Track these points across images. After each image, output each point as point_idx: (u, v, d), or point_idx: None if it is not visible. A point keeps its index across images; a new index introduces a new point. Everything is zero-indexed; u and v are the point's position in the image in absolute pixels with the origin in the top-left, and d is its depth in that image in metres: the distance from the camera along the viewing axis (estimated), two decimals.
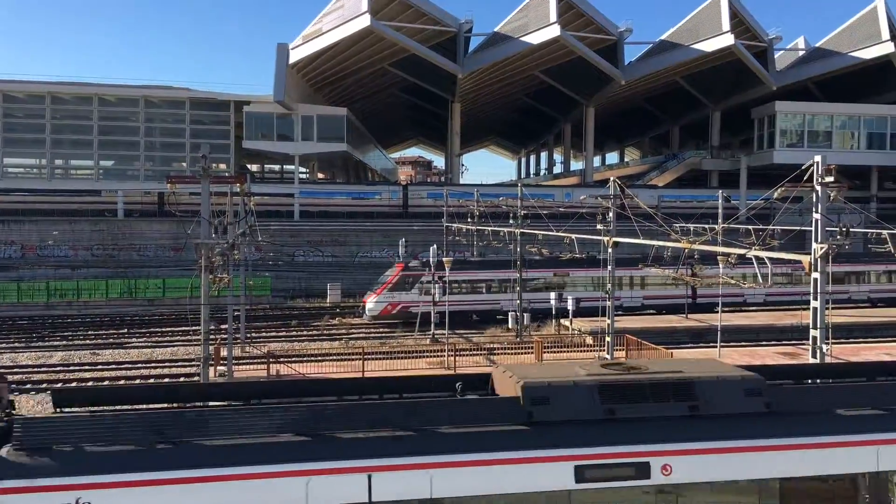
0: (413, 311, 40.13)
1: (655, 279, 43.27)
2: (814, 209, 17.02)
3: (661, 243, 27.62)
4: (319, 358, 31.63)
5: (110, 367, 31.47)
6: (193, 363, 30.85)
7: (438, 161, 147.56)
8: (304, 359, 31.46)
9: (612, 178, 29.52)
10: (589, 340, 34.69)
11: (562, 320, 39.87)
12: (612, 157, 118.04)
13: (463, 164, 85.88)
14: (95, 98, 63.58)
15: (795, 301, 39.82)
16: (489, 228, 45.74)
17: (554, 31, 62.24)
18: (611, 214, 28.25)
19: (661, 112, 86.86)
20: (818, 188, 16.85)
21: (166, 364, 32.11)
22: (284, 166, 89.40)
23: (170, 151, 66.14)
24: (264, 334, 39.61)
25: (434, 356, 30.73)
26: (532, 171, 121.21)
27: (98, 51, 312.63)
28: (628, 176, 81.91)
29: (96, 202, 63.18)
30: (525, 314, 38.58)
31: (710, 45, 66.99)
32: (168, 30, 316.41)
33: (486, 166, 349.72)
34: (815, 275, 16.90)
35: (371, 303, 42.27)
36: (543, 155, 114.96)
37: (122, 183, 64.67)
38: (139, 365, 31.86)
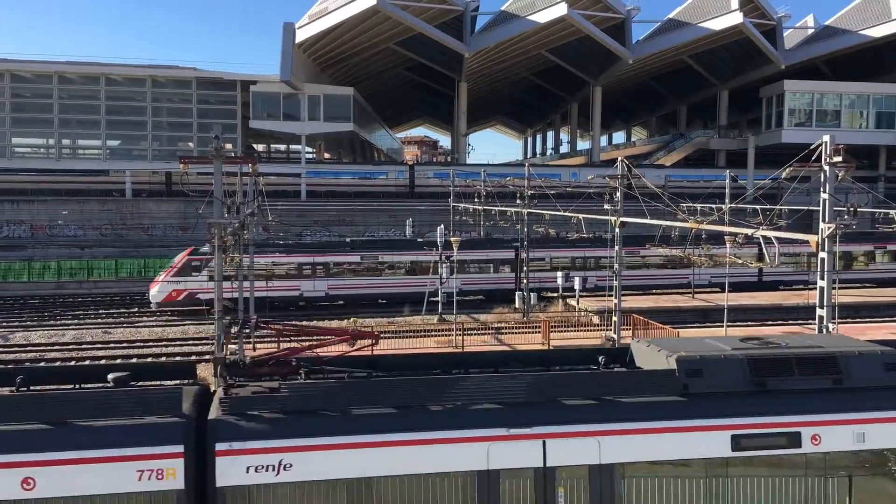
0: (201, 298, 37.34)
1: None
2: (821, 189, 17.10)
3: (668, 223, 27.71)
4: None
5: (122, 345, 31.85)
6: (205, 341, 31.24)
7: (444, 141, 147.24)
8: (315, 337, 31.73)
9: (619, 158, 29.57)
10: (596, 320, 34.89)
11: (569, 300, 40.07)
12: (618, 137, 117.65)
13: (469, 144, 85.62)
14: (102, 78, 63.60)
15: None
16: (496, 208, 45.82)
17: (561, 9, 61.89)
18: (618, 194, 28.32)
19: (668, 91, 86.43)
20: (826, 168, 16.92)
21: (178, 342, 32.48)
22: (291, 146, 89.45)
23: (177, 131, 66.21)
24: (276, 314, 39.88)
25: (442, 335, 31.00)
26: (538, 150, 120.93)
27: (104, 30, 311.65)
28: (635, 155, 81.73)
29: (104, 182, 63.45)
30: (532, 294, 38.76)
31: (718, 24, 66.51)
32: (174, 8, 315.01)
33: (493, 146, 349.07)
34: (823, 254, 17.02)
35: (155, 289, 38.79)
36: (550, 134, 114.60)
37: (129, 163, 64.86)
38: (150, 343, 32.24)
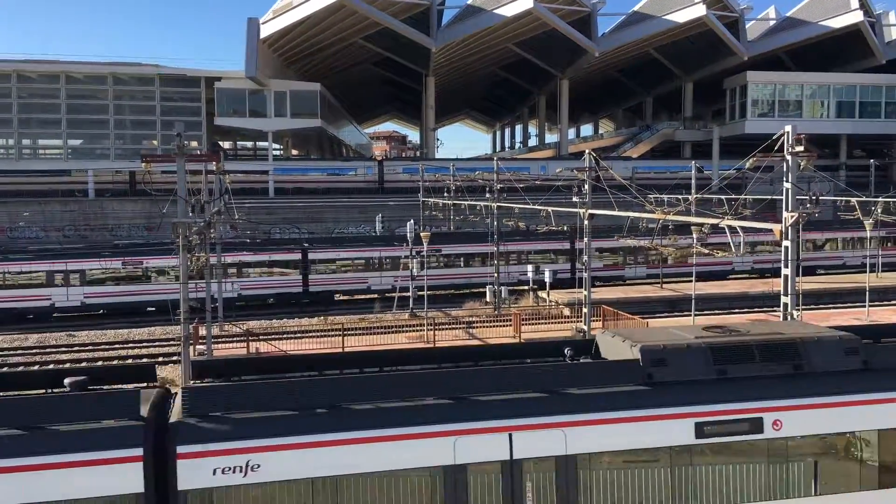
0: None
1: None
2: (784, 178, 17.34)
3: (636, 214, 27.93)
4: (299, 335, 31.72)
5: (87, 348, 31.29)
6: (172, 342, 30.82)
7: (413, 135, 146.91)
8: (284, 336, 31.53)
9: (587, 151, 29.72)
10: (566, 312, 35.08)
11: (539, 293, 40.25)
12: (586, 130, 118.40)
13: (438, 139, 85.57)
14: (63, 76, 62.33)
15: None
16: (466, 202, 45.82)
17: (527, 2, 61.98)
18: (586, 187, 28.48)
19: (634, 84, 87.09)
20: (788, 157, 17.15)
21: (145, 343, 32.00)
22: (257, 143, 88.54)
23: (140, 129, 65.16)
24: (242, 312, 39.52)
25: (413, 331, 30.94)
26: (507, 144, 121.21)
27: (64, 27, 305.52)
28: (603, 148, 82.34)
29: (66, 182, 62.25)
30: (503, 287, 38.86)
31: (682, 16, 67.14)
32: (136, 5, 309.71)
33: (462, 140, 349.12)
34: (786, 243, 17.27)
35: None
36: (518, 128, 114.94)
37: (91, 162, 63.66)
38: (117, 345, 31.72)
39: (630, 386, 9.81)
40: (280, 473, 8.67)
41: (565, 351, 11.20)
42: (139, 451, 8.33)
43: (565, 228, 42.89)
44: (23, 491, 8.10)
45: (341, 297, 42.77)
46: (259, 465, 8.58)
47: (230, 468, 8.52)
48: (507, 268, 41.99)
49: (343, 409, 9.10)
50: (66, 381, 9.52)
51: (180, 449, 8.45)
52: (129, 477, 8.26)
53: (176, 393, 9.66)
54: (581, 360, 11.04)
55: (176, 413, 8.85)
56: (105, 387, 9.85)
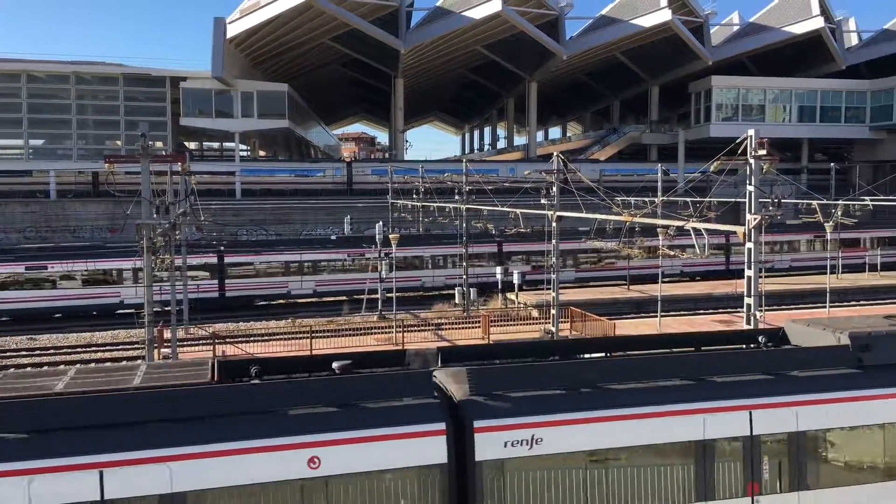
0: None
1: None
2: (748, 181, 17.63)
3: (603, 216, 28.18)
4: (266, 337, 31.44)
5: (49, 352, 30.67)
6: (137, 346, 30.36)
7: (382, 137, 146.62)
8: (251, 339, 31.22)
9: (555, 153, 29.90)
10: (535, 313, 35.26)
11: (508, 294, 40.38)
12: (554, 132, 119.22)
13: (407, 140, 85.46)
14: (24, 75, 61.03)
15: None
16: (434, 204, 45.82)
17: (496, 5, 62.22)
18: (554, 189, 28.65)
19: (601, 87, 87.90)
20: (752, 161, 17.43)
21: (107, 347, 31.45)
22: (224, 144, 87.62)
23: (103, 129, 64.08)
24: (208, 315, 39.01)
25: (382, 332, 30.86)
26: (476, 146, 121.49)
27: (25, 25, 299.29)
28: (571, 150, 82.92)
29: (27, 183, 60.96)
30: (472, 289, 38.91)
31: (648, 21, 67.95)
32: (100, 3, 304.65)
33: (431, 142, 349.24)
34: (749, 245, 17.55)
35: None
36: (487, 130, 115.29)
37: (53, 163, 62.44)
38: (79, 349, 31.14)
39: (843, 369, 10.92)
40: (560, 447, 9.66)
41: (759, 339, 12.44)
42: (442, 426, 9.25)
43: (493, 231, 42.98)
44: (349, 461, 8.99)
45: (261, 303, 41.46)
46: (542, 439, 9.56)
47: (518, 441, 9.48)
48: (434, 272, 41.40)
49: (608, 390, 10.17)
50: (335, 364, 10.49)
51: (476, 424, 9.40)
52: (435, 449, 9.20)
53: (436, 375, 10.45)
54: (788, 347, 12.25)
55: (462, 392, 9.76)
56: (364, 371, 10.76)
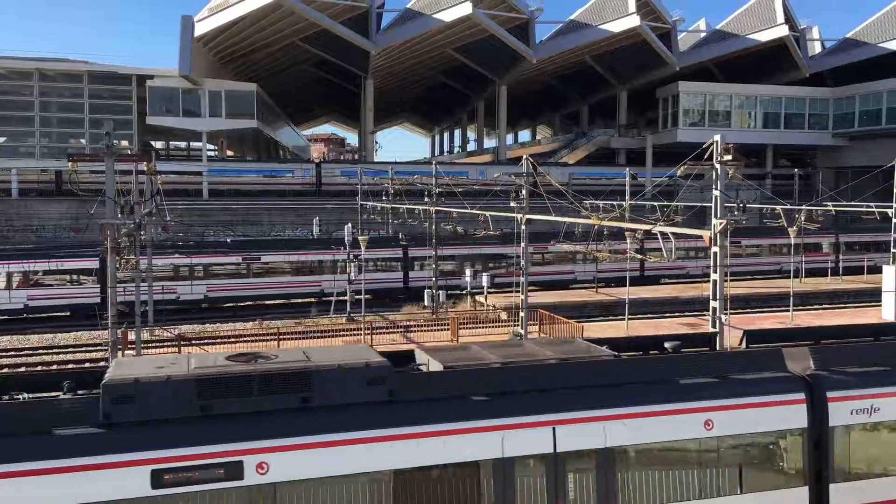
0: None
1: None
2: (714, 186, 17.87)
3: (572, 220, 28.35)
4: (233, 339, 31.12)
5: (9, 353, 30.00)
6: (100, 347, 29.83)
7: (352, 138, 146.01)
8: (217, 340, 30.87)
9: (524, 156, 30.03)
10: (503, 316, 35.35)
11: (477, 297, 40.44)
12: (524, 135, 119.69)
13: (377, 142, 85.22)
14: None
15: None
16: (404, 206, 45.75)
17: (466, 8, 62.36)
18: (524, 192, 28.77)
19: (571, 91, 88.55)
20: (717, 166, 17.68)
21: (70, 349, 30.86)
22: (191, 143, 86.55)
23: (67, 127, 62.96)
24: (174, 317, 38.50)
25: (350, 335, 30.71)
26: (446, 148, 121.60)
27: None
28: (540, 153, 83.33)
29: None
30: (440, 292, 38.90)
31: (616, 26, 68.62)
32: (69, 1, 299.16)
33: (401, 144, 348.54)
34: (715, 249, 17.78)
35: None
36: (457, 132, 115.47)
37: (15, 161, 61.15)
38: (40, 350, 30.51)
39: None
40: (892, 414, 11.25)
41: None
42: (802, 396, 10.87)
43: (399, 235, 42.70)
44: (730, 424, 10.53)
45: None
46: (879, 408, 11.17)
47: (860, 410, 11.10)
48: (335, 276, 40.43)
49: None
50: (667, 344, 12.05)
51: (829, 394, 10.97)
52: (796, 415, 10.81)
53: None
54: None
55: (807, 368, 11.30)
56: (686, 350, 12.14)
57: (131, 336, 27.61)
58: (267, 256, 40.85)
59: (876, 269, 41.18)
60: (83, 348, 30.96)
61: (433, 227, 39.57)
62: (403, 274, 42.75)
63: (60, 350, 30.77)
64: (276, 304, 41.86)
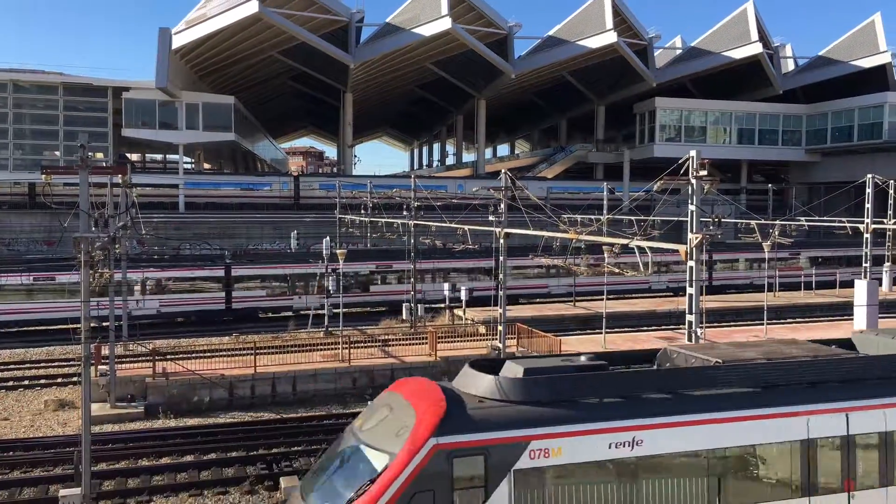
0: None
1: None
2: (689, 201, 18.02)
3: (550, 234, 28.42)
4: (209, 354, 30.72)
5: None
6: (73, 363, 29.35)
7: (331, 152, 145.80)
8: (193, 355, 30.46)
9: (503, 170, 30.11)
10: (482, 329, 35.29)
11: (456, 311, 40.37)
12: (503, 149, 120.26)
13: (356, 155, 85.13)
14: None
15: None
16: (383, 220, 45.69)
17: (445, 23, 62.68)
18: (502, 206, 28.80)
19: (549, 106, 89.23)
20: (693, 181, 17.83)
21: (42, 364, 30.34)
22: (168, 156, 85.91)
23: (41, 139, 62.22)
24: (148, 331, 37.99)
25: (328, 349, 30.47)
26: (425, 162, 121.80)
27: None
28: (519, 168, 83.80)
29: None
30: (419, 305, 38.78)
31: (594, 42, 69.33)
32: (39, 10, 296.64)
33: (379, 157, 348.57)
34: (691, 263, 17.91)
35: None
36: (436, 146, 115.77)
37: None
38: (12, 366, 29.97)
39: None
40: None
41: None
42: None
43: (225, 251, 42.22)
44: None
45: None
46: None
47: None
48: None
49: None
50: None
51: None
52: None
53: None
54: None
55: None
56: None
57: (104, 351, 27.21)
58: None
59: (847, 284, 41.75)
60: (55, 363, 30.46)
61: (411, 241, 39.49)
62: (226, 294, 40.84)
63: (33, 365, 30.24)
64: (256, 319, 41.48)
